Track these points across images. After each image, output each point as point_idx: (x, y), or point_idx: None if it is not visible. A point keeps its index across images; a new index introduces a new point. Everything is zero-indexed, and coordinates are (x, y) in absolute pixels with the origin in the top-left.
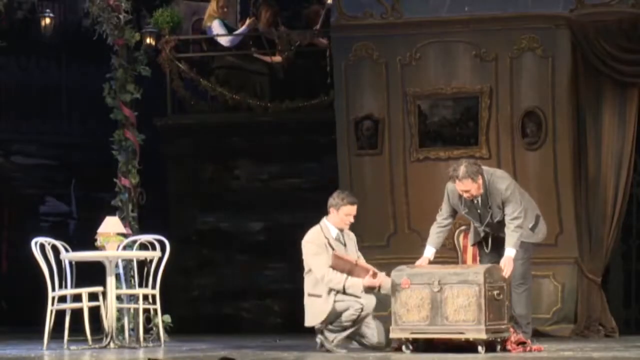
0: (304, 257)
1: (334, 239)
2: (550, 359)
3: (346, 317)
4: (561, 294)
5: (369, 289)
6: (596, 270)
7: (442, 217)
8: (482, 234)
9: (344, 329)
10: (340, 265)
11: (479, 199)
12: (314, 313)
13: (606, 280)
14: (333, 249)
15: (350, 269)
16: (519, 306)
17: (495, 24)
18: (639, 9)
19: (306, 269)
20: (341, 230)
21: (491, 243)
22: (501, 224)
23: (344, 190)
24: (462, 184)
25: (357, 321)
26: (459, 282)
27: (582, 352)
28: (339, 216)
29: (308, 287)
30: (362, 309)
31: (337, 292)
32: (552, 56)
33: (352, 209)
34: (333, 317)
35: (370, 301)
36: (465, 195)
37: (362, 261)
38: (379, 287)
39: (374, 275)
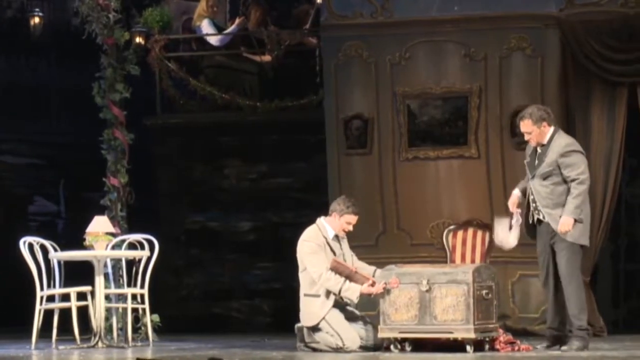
0: (300, 255)
1: (331, 239)
2: (538, 358)
3: (325, 340)
4: None
5: (365, 295)
6: (585, 270)
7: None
8: (527, 196)
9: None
10: (340, 269)
11: (542, 150)
12: (310, 313)
13: (595, 280)
14: (331, 249)
15: (348, 275)
16: (571, 306)
17: (485, 24)
18: (629, 8)
19: (301, 267)
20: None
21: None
22: (541, 182)
23: (349, 197)
24: (523, 124)
25: (333, 349)
26: (448, 281)
27: (570, 352)
28: (340, 222)
29: (305, 287)
30: (341, 347)
31: (335, 296)
32: (541, 56)
33: (354, 219)
34: (323, 324)
35: (353, 342)
36: (526, 137)
37: (357, 263)
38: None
39: (373, 284)
